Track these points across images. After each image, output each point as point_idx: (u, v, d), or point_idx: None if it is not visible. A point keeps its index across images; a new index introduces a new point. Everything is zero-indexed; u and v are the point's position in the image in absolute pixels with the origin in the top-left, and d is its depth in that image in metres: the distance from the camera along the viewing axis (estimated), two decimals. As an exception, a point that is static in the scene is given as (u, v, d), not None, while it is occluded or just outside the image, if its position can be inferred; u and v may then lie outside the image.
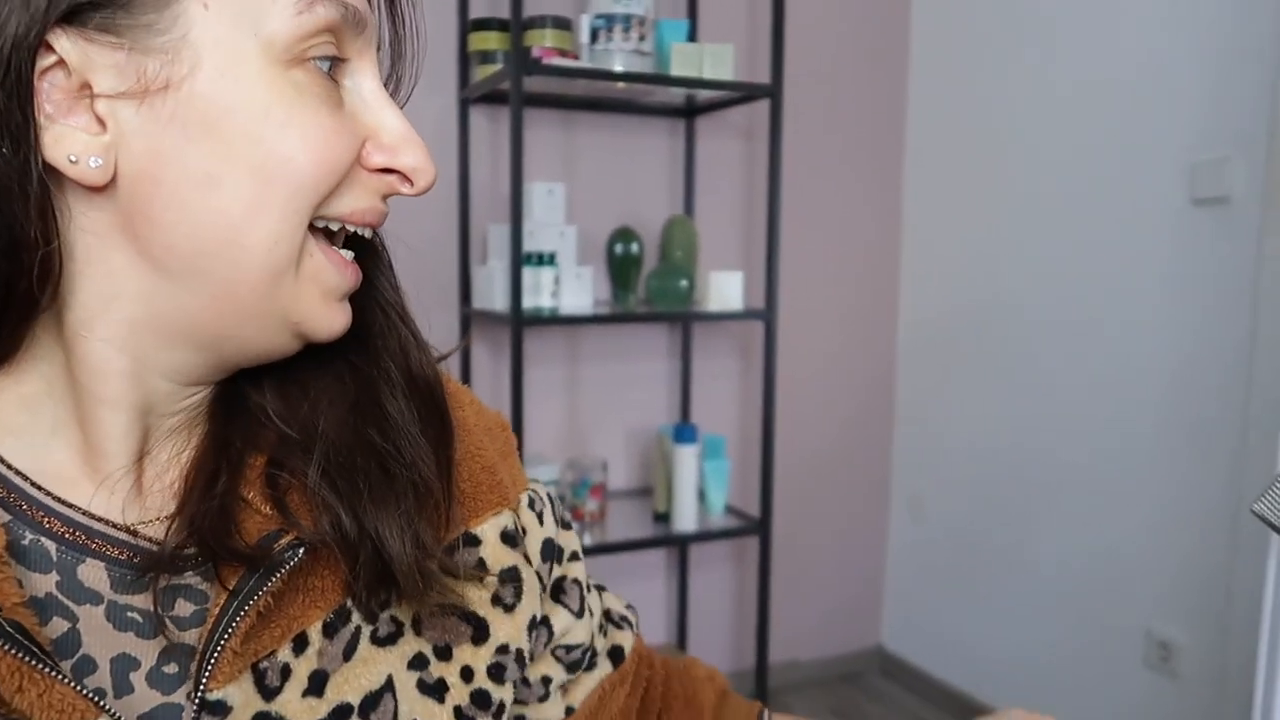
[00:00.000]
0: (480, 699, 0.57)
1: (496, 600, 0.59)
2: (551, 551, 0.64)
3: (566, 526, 0.67)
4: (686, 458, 2.15)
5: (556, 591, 0.65)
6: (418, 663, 0.54)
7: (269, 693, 0.47)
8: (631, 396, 2.45)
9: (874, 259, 2.71)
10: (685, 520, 2.17)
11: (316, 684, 0.49)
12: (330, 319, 0.49)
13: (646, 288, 2.24)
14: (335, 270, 0.48)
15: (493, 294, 2.08)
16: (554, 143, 2.28)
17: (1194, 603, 1.95)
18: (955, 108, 2.54)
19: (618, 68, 1.97)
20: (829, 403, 2.69)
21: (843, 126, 2.61)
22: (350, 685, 0.50)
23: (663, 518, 2.23)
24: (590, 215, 2.30)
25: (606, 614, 0.70)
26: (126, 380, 0.47)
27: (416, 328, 0.57)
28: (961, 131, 2.52)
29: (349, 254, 0.50)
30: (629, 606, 0.74)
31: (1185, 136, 1.93)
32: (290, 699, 0.48)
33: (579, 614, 0.66)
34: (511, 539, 0.60)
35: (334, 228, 0.48)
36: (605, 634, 0.69)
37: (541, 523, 0.63)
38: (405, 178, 0.49)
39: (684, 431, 2.17)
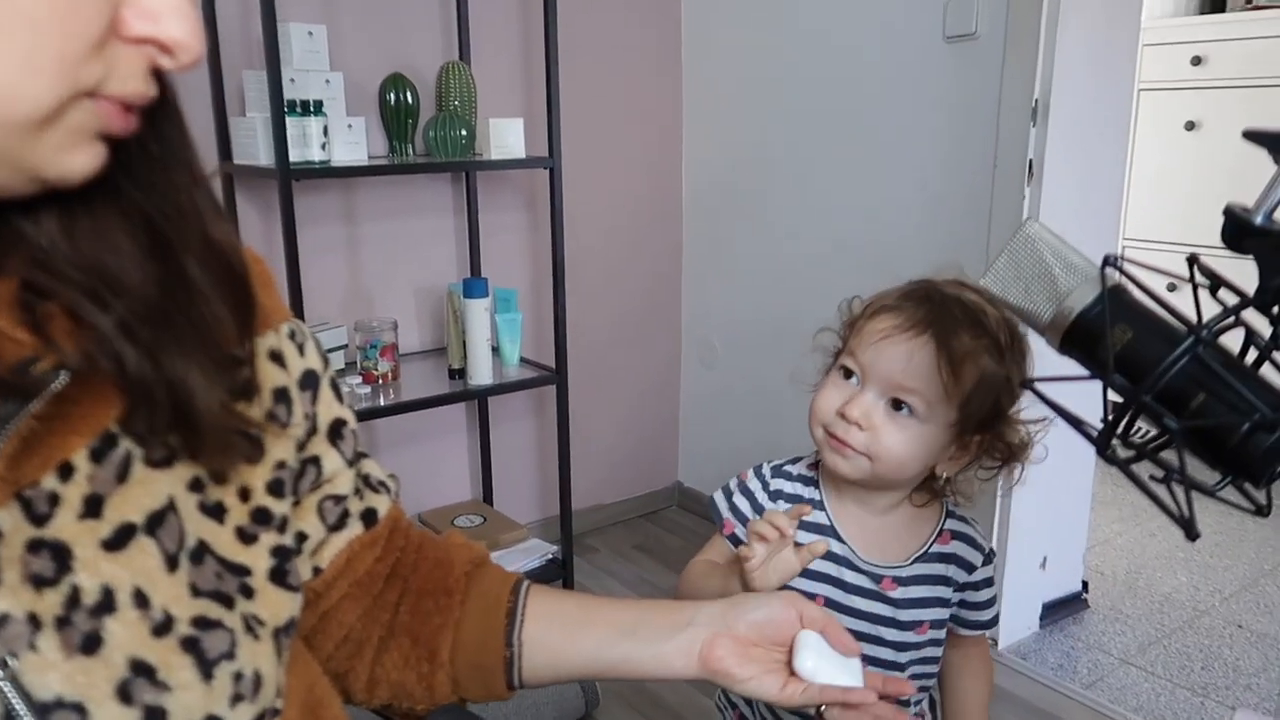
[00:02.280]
0: (260, 516, 0.57)
1: (272, 417, 0.59)
2: (312, 383, 0.64)
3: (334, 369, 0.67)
4: (478, 311, 2.13)
5: (334, 435, 0.65)
6: (195, 485, 0.54)
7: (39, 519, 0.46)
8: (418, 254, 2.38)
9: (656, 108, 2.71)
10: (481, 374, 2.16)
11: (93, 506, 0.48)
12: (70, 161, 0.42)
13: (424, 139, 2.15)
14: (96, 117, 0.42)
15: (255, 148, 1.93)
16: (310, -20, 2.10)
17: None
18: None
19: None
20: (619, 251, 2.72)
21: (618, -32, 2.55)
22: (130, 505, 0.49)
23: (458, 374, 2.22)
24: (357, 61, 2.16)
25: (365, 479, 0.70)
26: None
27: (212, 192, 0.52)
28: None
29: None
30: (391, 476, 0.73)
31: (939, -26, 2.03)
32: (65, 523, 0.47)
33: (351, 462, 0.66)
34: (279, 359, 0.61)
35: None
36: (361, 497, 0.69)
37: (303, 354, 0.63)
38: (165, 48, 0.43)
39: (474, 286, 2.14)
